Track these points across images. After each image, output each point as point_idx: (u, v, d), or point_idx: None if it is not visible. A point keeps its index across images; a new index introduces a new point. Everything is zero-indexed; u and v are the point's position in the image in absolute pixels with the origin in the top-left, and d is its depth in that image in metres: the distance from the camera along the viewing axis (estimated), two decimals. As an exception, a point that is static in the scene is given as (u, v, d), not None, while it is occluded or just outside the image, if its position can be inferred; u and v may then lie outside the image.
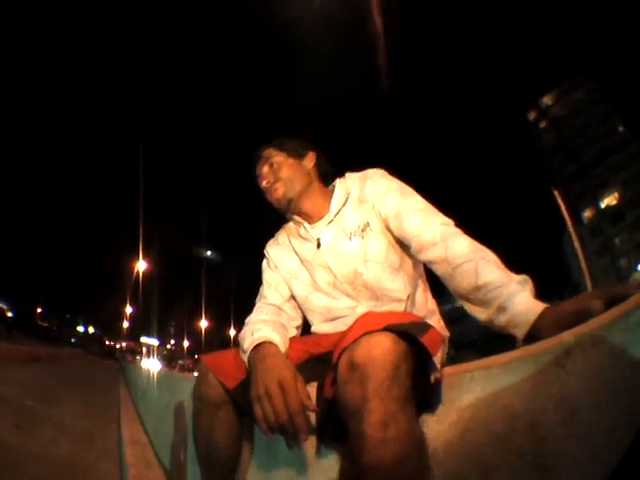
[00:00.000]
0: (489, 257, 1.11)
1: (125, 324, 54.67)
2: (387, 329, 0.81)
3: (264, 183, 1.47)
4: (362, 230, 1.34)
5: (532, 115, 56.72)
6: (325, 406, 0.95)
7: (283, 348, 1.16)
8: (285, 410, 0.92)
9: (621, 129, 46.10)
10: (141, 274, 36.37)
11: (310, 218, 1.45)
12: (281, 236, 1.57)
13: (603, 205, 44.41)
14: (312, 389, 1.07)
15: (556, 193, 14.44)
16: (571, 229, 14.65)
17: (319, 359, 1.22)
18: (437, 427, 0.84)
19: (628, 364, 0.64)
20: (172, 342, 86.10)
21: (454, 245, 1.17)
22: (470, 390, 0.81)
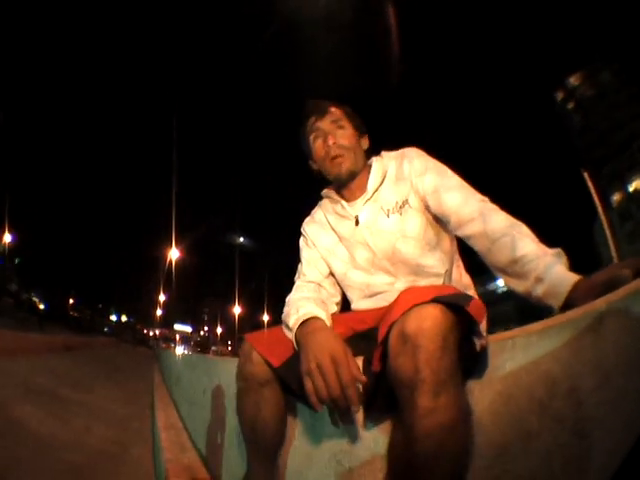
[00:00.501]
0: (525, 231, 1.15)
1: (158, 312, 55.53)
2: (435, 300, 0.83)
3: (331, 141, 1.42)
4: (400, 207, 1.37)
5: (560, 95, 55.39)
6: (373, 380, 0.97)
7: (328, 323, 1.16)
8: (337, 383, 0.94)
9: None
10: (174, 262, 36.98)
11: (351, 195, 1.46)
12: (317, 214, 1.58)
13: (631, 189, 43.19)
14: (359, 363, 1.10)
15: (586, 175, 14.10)
16: (601, 214, 14.30)
17: (363, 335, 1.24)
18: (481, 395, 0.86)
19: None
20: (205, 329, 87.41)
21: (492, 220, 1.20)
22: (512, 357, 0.84)
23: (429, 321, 0.80)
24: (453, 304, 0.84)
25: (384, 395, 0.94)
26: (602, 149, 46.88)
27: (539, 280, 1.04)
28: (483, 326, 0.88)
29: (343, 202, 1.46)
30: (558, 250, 1.09)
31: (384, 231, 1.36)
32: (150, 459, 3.04)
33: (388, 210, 1.38)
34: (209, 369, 3.01)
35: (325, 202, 1.56)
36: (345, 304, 1.52)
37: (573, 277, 0.99)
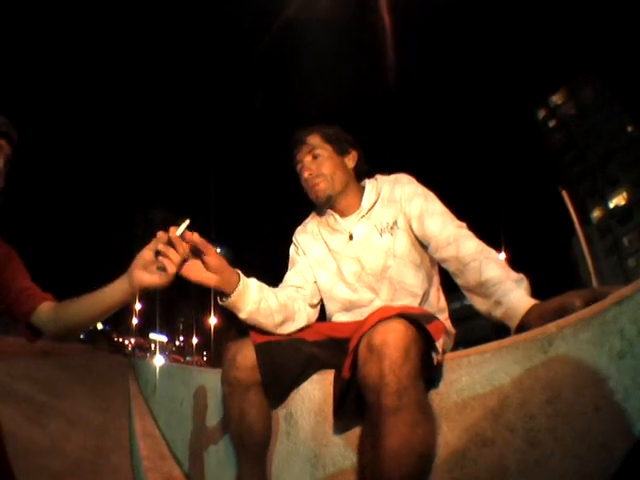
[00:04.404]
0: (493, 257, 1.27)
1: (134, 320, 54.67)
2: (400, 317, 0.93)
3: (306, 174, 1.51)
4: (391, 228, 1.46)
5: (541, 114, 56.31)
6: (343, 386, 1.04)
7: (254, 289, 1.30)
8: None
9: (630, 128, 45.65)
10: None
11: (342, 211, 1.53)
12: (310, 224, 1.64)
13: (612, 205, 44.11)
14: (330, 375, 1.20)
15: (564, 193, 14.33)
16: (578, 230, 14.53)
17: (337, 342, 1.33)
18: (440, 404, 0.95)
19: (606, 354, 0.74)
20: (181, 339, 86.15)
21: (465, 246, 1.31)
22: (468, 372, 0.93)
23: (393, 334, 0.89)
24: (415, 321, 0.93)
25: (353, 400, 1.02)
26: (582, 165, 47.74)
27: (498, 303, 1.16)
28: (440, 343, 0.96)
29: (337, 216, 1.53)
30: (521, 276, 1.20)
31: (376, 249, 1.45)
32: (129, 467, 3.02)
33: (381, 229, 1.46)
34: (187, 379, 3.01)
35: (316, 213, 1.63)
36: (321, 315, 1.57)
37: (528, 303, 1.10)
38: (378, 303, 1.43)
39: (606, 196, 44.52)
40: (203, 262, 1.17)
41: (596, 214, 45.23)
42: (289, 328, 1.38)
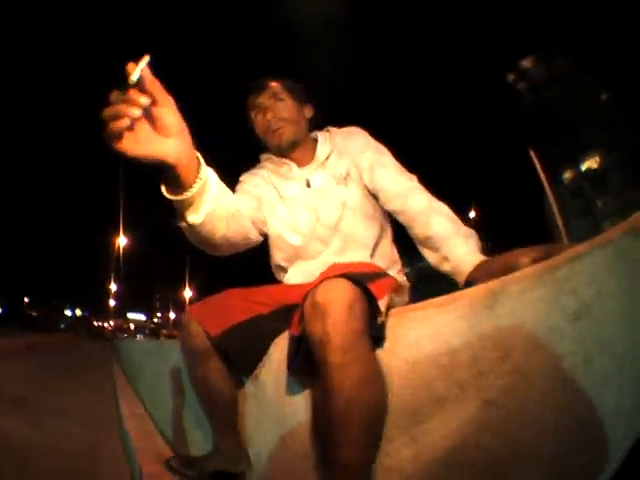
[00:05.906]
0: (442, 211, 1.29)
1: (111, 302, 54.04)
2: (342, 276, 0.93)
3: (269, 115, 1.46)
4: (344, 179, 1.46)
5: (511, 77, 56.41)
6: (293, 342, 1.05)
7: (214, 178, 0.98)
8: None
9: (604, 96, 46.22)
10: (122, 249, 36.23)
11: (297, 162, 1.51)
12: (259, 170, 1.57)
13: (583, 168, 44.77)
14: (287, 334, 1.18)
15: (532, 153, 14.45)
16: (547, 188, 14.70)
17: (291, 308, 1.28)
18: (389, 362, 0.95)
19: (559, 313, 0.75)
20: (158, 315, 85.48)
21: (414, 199, 1.34)
22: (414, 327, 0.94)
23: (335, 292, 0.90)
24: (356, 280, 0.93)
25: (304, 357, 1.00)
26: (552, 128, 48.17)
27: (445, 258, 1.21)
28: (383, 302, 0.98)
29: (293, 165, 1.50)
30: (470, 231, 1.23)
31: (333, 199, 1.44)
32: (123, 453, 3.05)
33: (338, 179, 1.46)
34: (165, 353, 3.01)
35: (266, 164, 1.57)
36: (267, 275, 1.58)
37: (474, 259, 1.13)
38: (326, 255, 1.42)
39: (577, 159, 45.10)
40: (154, 125, 0.78)
41: (567, 175, 45.84)
42: (234, 241, 1.19)
